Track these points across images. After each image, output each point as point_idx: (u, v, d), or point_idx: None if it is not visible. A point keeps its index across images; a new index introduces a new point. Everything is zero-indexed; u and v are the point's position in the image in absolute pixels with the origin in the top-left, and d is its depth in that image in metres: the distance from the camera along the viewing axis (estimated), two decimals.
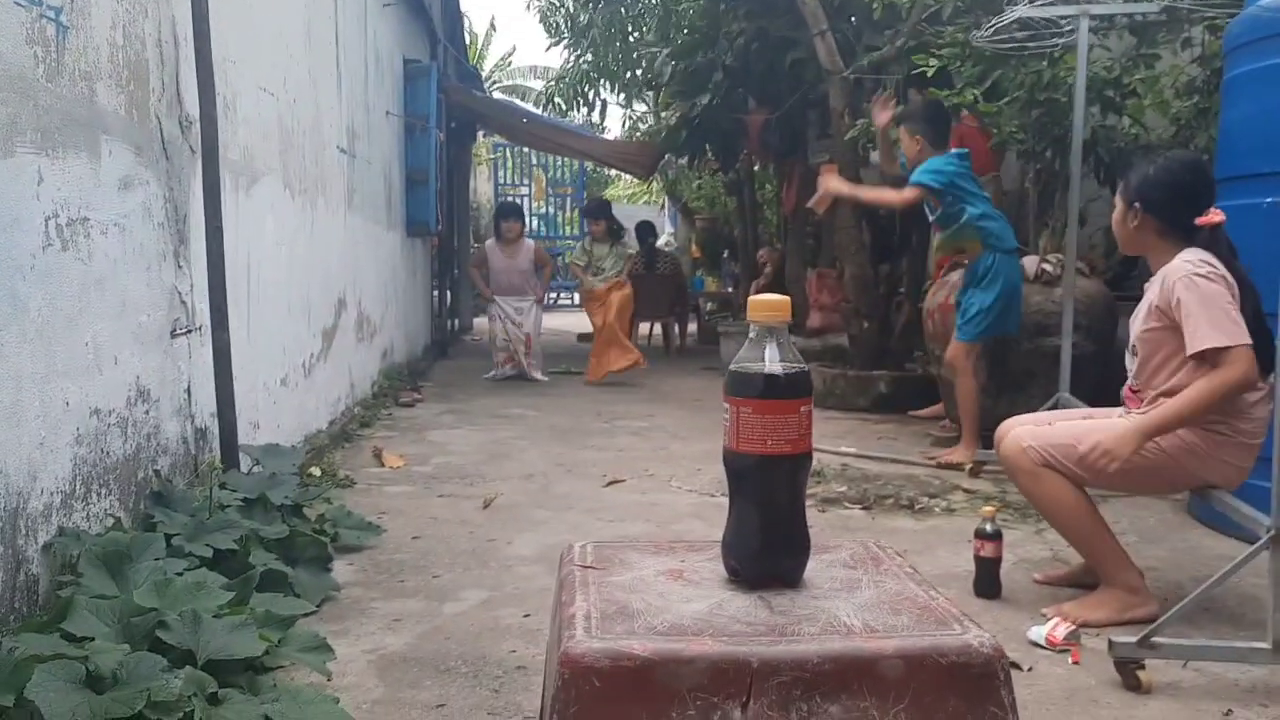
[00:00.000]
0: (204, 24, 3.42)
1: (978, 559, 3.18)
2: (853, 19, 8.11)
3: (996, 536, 3.15)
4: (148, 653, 2.06)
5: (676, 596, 1.48)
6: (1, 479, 2.30)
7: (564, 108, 13.02)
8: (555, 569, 1.62)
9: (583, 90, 12.71)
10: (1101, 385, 4.62)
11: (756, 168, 12.14)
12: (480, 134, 15.61)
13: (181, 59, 3.44)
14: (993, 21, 4.93)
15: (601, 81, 12.74)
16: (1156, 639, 2.50)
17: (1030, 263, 5.37)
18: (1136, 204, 3.00)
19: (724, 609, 1.43)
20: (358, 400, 6.45)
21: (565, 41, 12.88)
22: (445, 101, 10.12)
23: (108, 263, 2.86)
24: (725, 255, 15.26)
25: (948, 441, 5.38)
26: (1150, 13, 5.04)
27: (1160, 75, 5.36)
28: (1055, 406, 4.26)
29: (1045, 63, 5.24)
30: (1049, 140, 5.44)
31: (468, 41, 18.19)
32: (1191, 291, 2.78)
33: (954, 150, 5.14)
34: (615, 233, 8.99)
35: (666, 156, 12.55)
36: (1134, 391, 3.06)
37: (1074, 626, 2.78)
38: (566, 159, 17.31)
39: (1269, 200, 3.56)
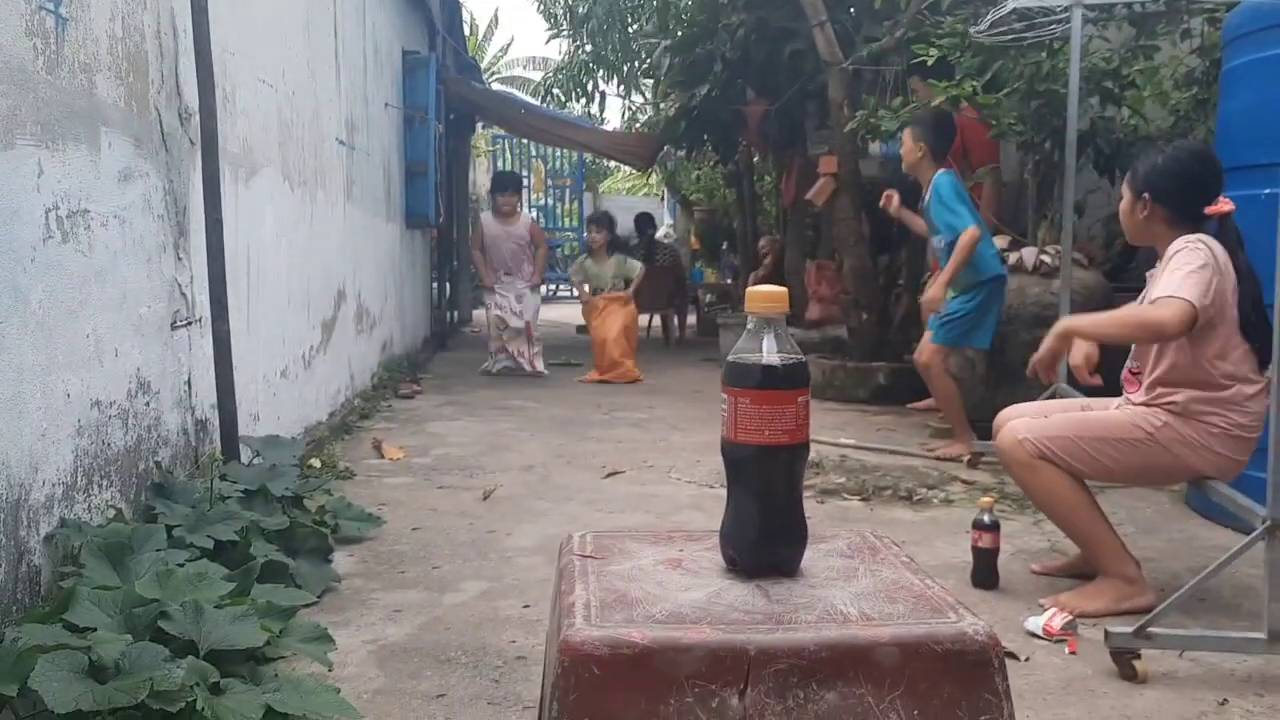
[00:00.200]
0: (203, 16, 3.42)
1: (975, 550, 3.20)
2: (852, 10, 8.11)
3: (994, 527, 3.17)
4: (150, 643, 2.06)
5: (675, 585, 1.49)
6: (3, 470, 2.31)
7: (563, 99, 13.00)
8: (555, 560, 1.64)
9: (581, 82, 12.70)
10: (1100, 376, 4.63)
11: (756, 159, 12.14)
12: (479, 126, 15.60)
13: (180, 51, 3.45)
14: (989, 15, 4.93)
15: (600, 73, 12.73)
16: (1153, 629, 2.51)
17: (1029, 254, 5.38)
18: (1145, 194, 3.00)
19: (722, 598, 1.44)
20: (357, 392, 6.46)
21: (564, 32, 12.87)
22: (444, 93, 10.11)
23: (108, 255, 2.87)
24: (724, 247, 15.25)
25: (946, 433, 5.40)
26: (1148, 4, 5.04)
27: (1159, 66, 5.36)
28: (1053, 397, 4.26)
29: (1044, 54, 5.25)
30: (1048, 131, 5.44)
31: (468, 33, 18.17)
32: (1179, 253, 2.83)
33: (946, 170, 5.14)
34: (617, 245, 8.80)
35: (665, 148, 12.54)
36: (1133, 374, 3.08)
37: (1071, 617, 2.80)
38: (565, 151, 17.30)
39: (1267, 191, 3.56)
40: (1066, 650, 2.69)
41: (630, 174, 23.23)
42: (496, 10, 29.30)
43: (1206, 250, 2.81)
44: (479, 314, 12.23)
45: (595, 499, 4.27)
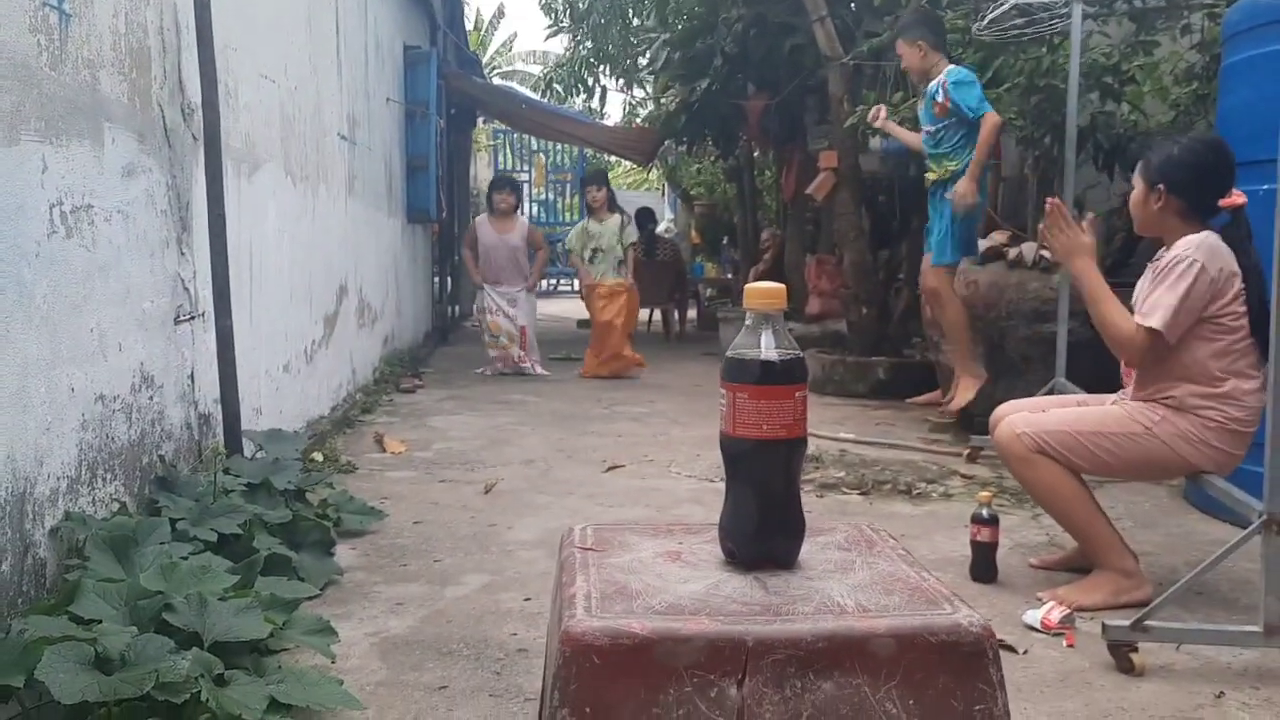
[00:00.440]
0: (205, 11, 3.43)
1: (974, 544, 3.21)
2: (852, 5, 8.13)
3: (993, 521, 3.18)
4: (155, 635, 2.07)
5: (674, 577, 1.51)
6: (9, 464, 2.33)
7: (563, 94, 13.00)
8: (555, 553, 1.65)
9: (582, 77, 12.70)
10: (1097, 371, 4.64)
11: (756, 154, 12.14)
12: (480, 120, 15.60)
13: (183, 47, 3.46)
14: (990, 11, 4.94)
15: (601, 68, 12.73)
16: (1150, 622, 2.53)
17: (1029, 249, 5.39)
18: (1160, 185, 2.99)
19: (720, 589, 1.46)
20: (359, 386, 6.48)
21: (565, 28, 12.86)
22: (445, 88, 10.12)
23: (111, 250, 2.89)
24: (725, 241, 15.26)
25: (945, 427, 5.41)
26: None
27: (1159, 62, 5.37)
28: (1051, 392, 4.28)
29: (1044, 49, 5.25)
30: (1048, 127, 5.45)
31: (469, 28, 18.16)
32: (1176, 268, 2.83)
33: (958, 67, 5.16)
34: (615, 204, 8.36)
35: (666, 143, 12.54)
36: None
37: (1069, 610, 2.81)
38: (566, 145, 17.30)
39: (1265, 187, 3.57)
40: (1064, 643, 2.70)
41: (631, 169, 23.21)
42: (500, 5, 29.09)
43: (1204, 264, 2.82)
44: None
45: (595, 493, 4.28)
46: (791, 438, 1.48)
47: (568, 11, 12.57)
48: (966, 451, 4.82)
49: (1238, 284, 2.86)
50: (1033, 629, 2.79)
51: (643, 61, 12.26)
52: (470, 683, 2.44)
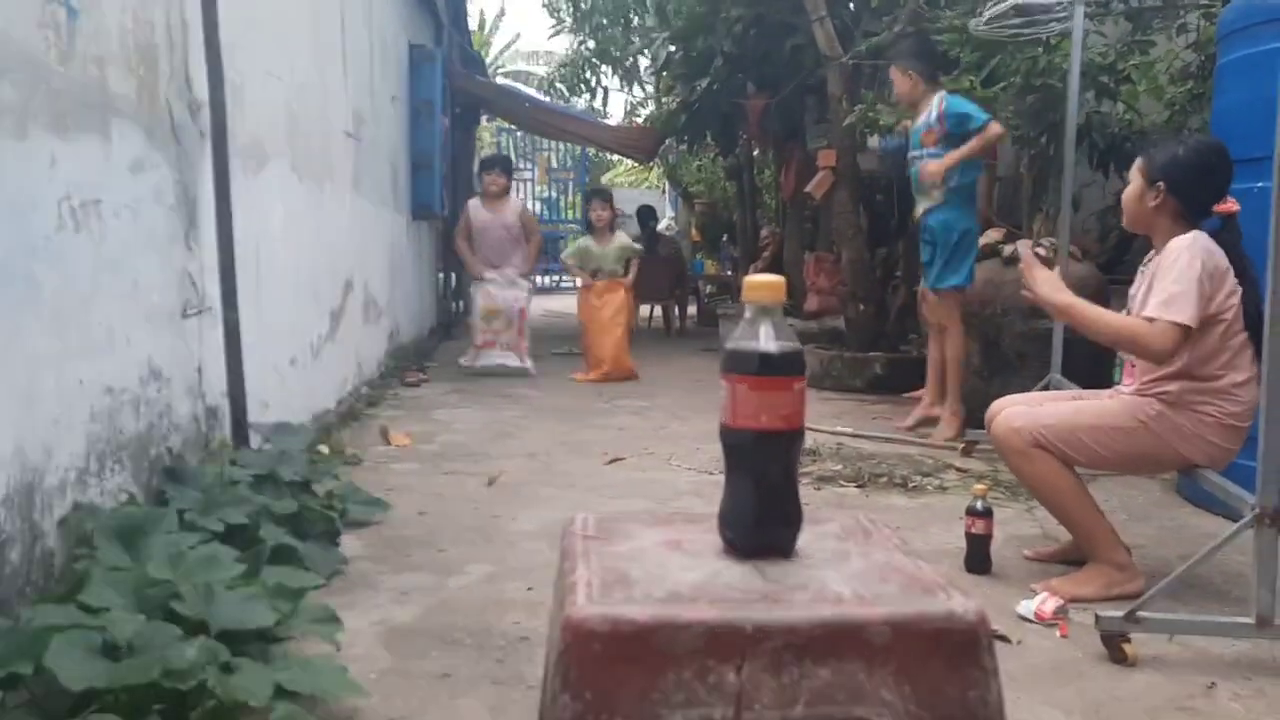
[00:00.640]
0: (212, 9, 3.47)
1: (969, 536, 3.24)
2: (851, 5, 8.14)
3: (987, 514, 3.21)
4: (162, 623, 2.09)
5: (674, 565, 1.53)
6: (18, 456, 2.35)
7: (566, 94, 13.01)
8: (557, 544, 1.68)
9: (584, 76, 12.71)
10: (1092, 367, 4.68)
11: (755, 153, 12.15)
12: (484, 119, 15.60)
13: (190, 43, 3.49)
14: (988, 10, 4.96)
15: (603, 67, 12.74)
16: (1142, 613, 2.56)
17: (1024, 247, 5.41)
18: (1160, 183, 2.99)
19: (720, 577, 1.48)
20: (365, 380, 6.50)
21: (567, 27, 12.87)
22: (450, 87, 10.13)
23: (120, 244, 2.92)
24: (724, 239, 15.26)
25: (934, 421, 5.41)
26: None
27: (1155, 61, 5.38)
28: (1047, 388, 4.31)
29: (1041, 49, 5.27)
30: (1044, 126, 5.47)
31: (474, 27, 18.15)
32: (1182, 262, 2.84)
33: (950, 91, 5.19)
34: (614, 225, 7.92)
35: (667, 141, 12.56)
36: (1133, 364, 3.11)
37: (1062, 601, 2.84)
38: (569, 144, 17.30)
39: (1260, 185, 3.60)
40: (1057, 634, 2.74)
41: (632, 167, 23.20)
42: (503, 5, 29.06)
43: (1202, 260, 2.83)
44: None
45: (597, 485, 4.31)
46: (790, 429, 1.50)
47: (571, 11, 12.57)
48: (962, 446, 4.85)
49: (1231, 279, 2.88)
50: (1026, 620, 2.82)
51: (644, 61, 12.27)
52: (473, 671, 2.47)
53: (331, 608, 2.48)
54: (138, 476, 3.00)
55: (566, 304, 14.08)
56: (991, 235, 5.64)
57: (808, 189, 8.12)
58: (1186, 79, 5.36)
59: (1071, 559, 3.23)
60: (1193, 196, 2.98)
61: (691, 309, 12.21)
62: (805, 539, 1.60)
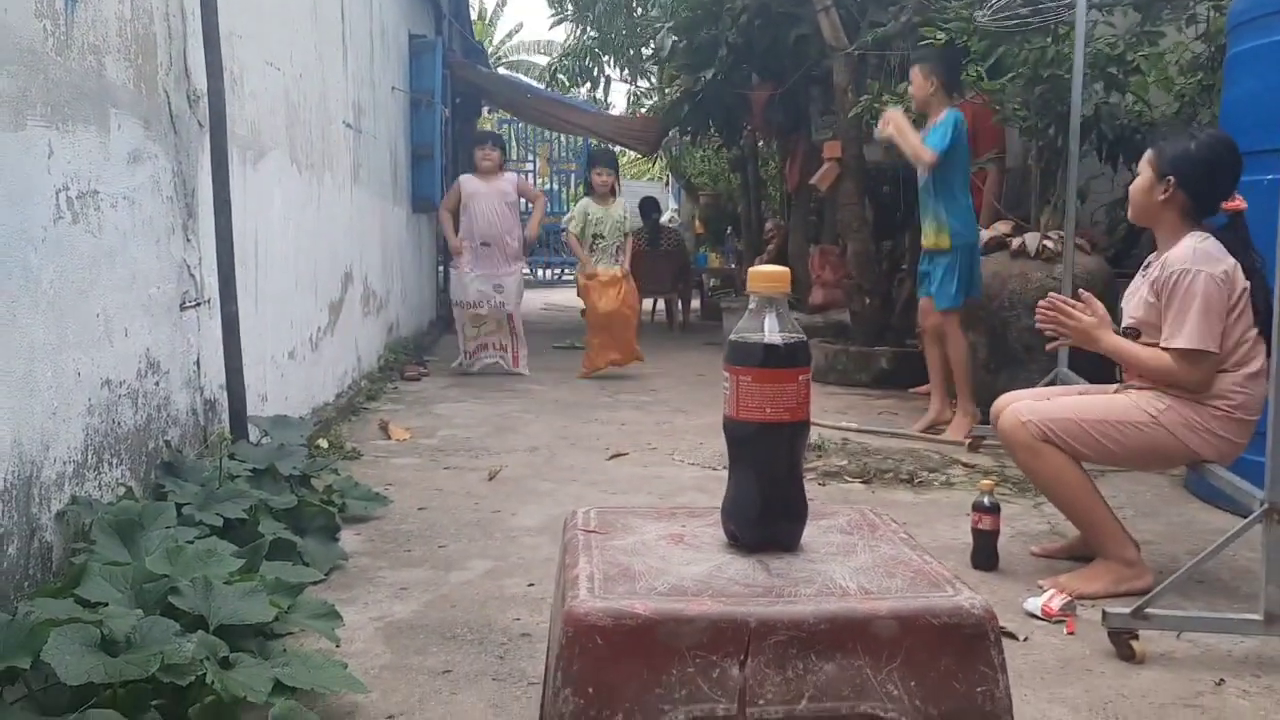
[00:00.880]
0: None
1: (976, 532, 3.22)
2: None
3: (994, 510, 3.19)
4: (160, 617, 2.08)
5: (677, 559, 1.51)
6: (15, 448, 2.34)
7: (568, 84, 12.99)
8: (559, 539, 1.66)
9: (587, 66, 12.68)
10: (1100, 361, 4.64)
11: (760, 144, 12.13)
12: (485, 110, 15.58)
13: (189, 33, 3.46)
14: (994, 0, 4.93)
15: (605, 57, 12.71)
16: (1150, 610, 2.53)
17: (1032, 239, 5.39)
18: (1170, 176, 2.96)
19: (723, 571, 1.47)
20: (364, 374, 6.49)
21: (569, 17, 12.85)
22: (450, 77, 10.11)
23: (117, 235, 2.89)
24: (728, 231, 15.26)
25: (945, 424, 5.39)
26: None
27: (1164, 52, 5.35)
28: (1054, 382, 4.28)
29: (1049, 39, 5.24)
30: (1052, 117, 5.43)
31: (475, 17, 18.15)
32: (1189, 285, 2.82)
33: (957, 110, 5.14)
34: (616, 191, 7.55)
35: (670, 132, 12.53)
36: None
37: (1069, 598, 2.82)
38: (571, 135, 17.29)
39: (1270, 177, 3.57)
40: (1065, 631, 2.72)
41: (635, 159, 23.20)
42: None
43: (1202, 274, 2.81)
44: None
45: (599, 480, 4.30)
46: (794, 421, 1.49)
47: (573, 0, 12.55)
48: (968, 441, 4.83)
49: (1240, 280, 2.86)
50: (1034, 616, 2.80)
51: (647, 51, 12.25)
52: (474, 667, 2.45)
53: (330, 603, 2.47)
54: (135, 470, 2.98)
55: (568, 296, 14.08)
56: (999, 228, 5.60)
57: (813, 181, 8.08)
58: (1196, 70, 5.33)
59: (1079, 555, 3.21)
60: (1202, 192, 2.95)
61: (695, 303, 12.18)
62: (810, 532, 1.58)
